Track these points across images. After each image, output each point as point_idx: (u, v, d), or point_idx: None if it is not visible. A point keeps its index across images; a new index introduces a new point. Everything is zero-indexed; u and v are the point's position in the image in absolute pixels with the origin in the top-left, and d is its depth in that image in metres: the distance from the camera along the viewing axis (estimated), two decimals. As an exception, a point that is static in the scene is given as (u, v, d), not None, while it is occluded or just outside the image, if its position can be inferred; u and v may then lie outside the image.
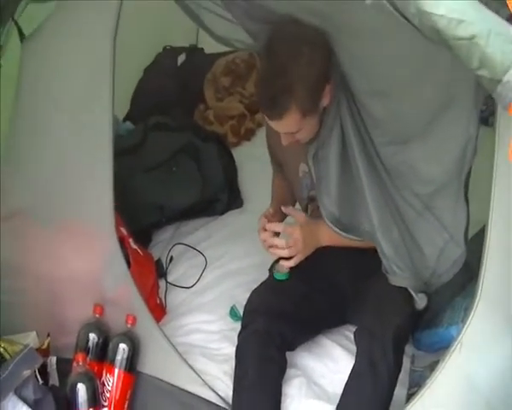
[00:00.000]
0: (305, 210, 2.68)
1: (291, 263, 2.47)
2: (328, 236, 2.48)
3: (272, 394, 2.36)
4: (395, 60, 2.10)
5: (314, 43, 2.19)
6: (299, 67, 2.17)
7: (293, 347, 2.49)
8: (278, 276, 2.54)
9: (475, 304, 2.08)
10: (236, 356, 2.40)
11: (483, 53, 1.64)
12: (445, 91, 2.13)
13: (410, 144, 2.24)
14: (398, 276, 2.35)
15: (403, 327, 2.32)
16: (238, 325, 2.53)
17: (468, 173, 2.25)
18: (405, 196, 2.32)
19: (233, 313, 2.73)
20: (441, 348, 2.35)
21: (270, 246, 2.49)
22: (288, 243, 2.45)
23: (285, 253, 2.46)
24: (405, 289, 2.37)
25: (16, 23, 2.39)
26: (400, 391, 2.36)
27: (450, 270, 2.36)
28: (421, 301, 2.38)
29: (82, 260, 2.50)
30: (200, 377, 2.45)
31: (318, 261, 2.51)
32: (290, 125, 2.26)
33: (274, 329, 2.37)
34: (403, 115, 2.21)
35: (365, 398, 2.24)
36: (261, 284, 2.59)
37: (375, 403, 2.24)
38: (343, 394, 2.28)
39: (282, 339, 2.38)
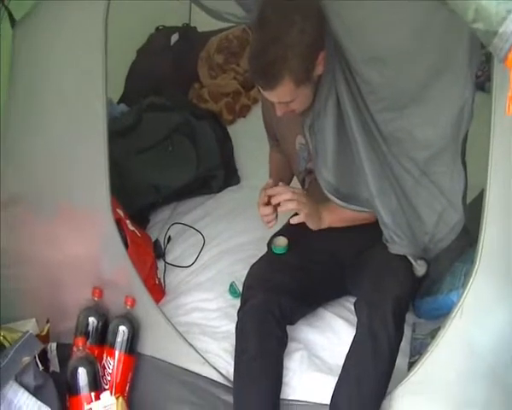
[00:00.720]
0: (303, 183, 2.67)
1: (299, 218, 2.41)
2: (331, 214, 2.46)
3: (273, 368, 2.35)
4: (390, 25, 2.09)
5: (306, 11, 2.17)
6: (292, 36, 2.15)
7: (293, 320, 2.48)
8: (277, 250, 2.53)
9: (475, 269, 2.07)
10: (236, 332, 2.39)
11: (478, 5, 1.61)
12: (441, 55, 2.13)
13: (406, 110, 2.23)
14: (398, 244, 2.33)
15: (403, 297, 2.31)
16: (237, 302, 2.52)
17: (465, 138, 2.24)
18: (403, 163, 2.30)
19: (232, 289, 2.72)
20: (442, 315, 2.35)
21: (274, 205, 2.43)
22: (294, 197, 2.39)
23: (293, 204, 2.38)
24: (405, 258, 2.36)
25: (6, 8, 2.36)
26: (401, 360, 2.35)
27: (448, 235, 2.35)
28: (420, 268, 2.37)
29: (79, 244, 2.49)
30: (201, 355, 2.45)
31: (317, 233, 2.48)
32: (284, 94, 2.24)
33: (273, 303, 2.36)
34: (398, 81, 2.19)
35: (366, 368, 2.22)
36: (259, 259, 2.58)
37: (376, 374, 2.23)
38: (344, 365, 2.27)
39: (282, 313, 2.37)
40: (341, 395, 2.25)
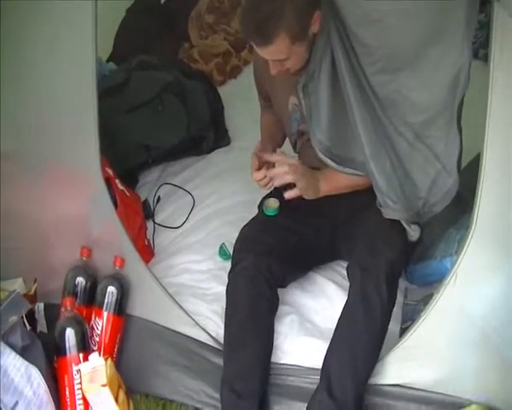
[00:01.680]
0: (294, 146, 2.63)
1: (295, 193, 2.38)
2: (328, 182, 2.43)
3: (264, 330, 2.34)
4: None
5: None
6: None
7: (284, 283, 2.46)
8: (268, 212, 2.50)
9: (470, 234, 2.06)
10: (227, 294, 2.38)
11: None
12: (437, 18, 2.10)
13: (401, 72, 2.20)
14: (392, 209, 2.31)
15: (396, 261, 2.29)
16: (227, 264, 2.50)
17: (461, 103, 2.23)
18: (397, 126, 2.28)
19: (222, 251, 2.70)
20: (435, 281, 2.36)
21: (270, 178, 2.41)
22: (291, 169, 2.36)
23: (289, 177, 2.35)
24: (398, 222, 2.34)
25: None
26: (393, 326, 2.34)
27: (442, 200, 2.34)
28: (414, 233, 2.36)
29: (68, 202, 2.45)
30: (190, 317, 2.43)
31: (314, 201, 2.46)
32: (279, 51, 2.20)
33: (264, 265, 2.34)
34: (394, 43, 2.16)
35: (359, 332, 2.21)
36: (250, 221, 2.56)
37: (369, 337, 2.22)
38: (336, 329, 2.26)
39: (273, 275, 2.35)
40: (333, 359, 2.24)
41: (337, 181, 2.43)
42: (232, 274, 2.39)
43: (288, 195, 2.39)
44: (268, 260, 2.35)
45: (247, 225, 2.54)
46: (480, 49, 3.49)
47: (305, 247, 2.47)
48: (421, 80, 2.21)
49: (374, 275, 2.22)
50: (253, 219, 2.56)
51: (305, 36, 2.21)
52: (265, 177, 2.41)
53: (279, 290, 2.40)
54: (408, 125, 2.27)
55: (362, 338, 2.22)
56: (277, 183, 2.40)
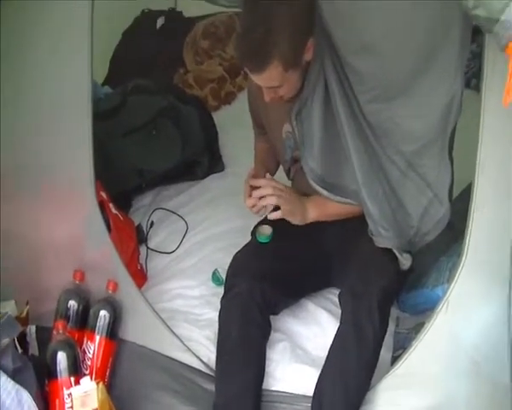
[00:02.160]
0: (288, 173, 2.65)
1: (278, 214, 2.40)
2: (317, 209, 2.45)
3: (256, 356, 2.33)
4: (380, 15, 2.09)
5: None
6: (281, 17, 2.12)
7: (277, 310, 2.46)
8: (261, 238, 2.50)
9: (462, 262, 2.08)
10: (219, 320, 2.37)
11: None
12: (430, 47, 2.13)
13: (394, 101, 2.23)
14: (384, 237, 2.33)
15: (388, 288, 2.30)
16: (220, 290, 2.49)
17: (453, 132, 2.26)
18: (390, 155, 2.30)
19: (215, 277, 2.70)
20: (426, 310, 2.36)
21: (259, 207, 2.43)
22: (275, 192, 2.38)
23: (273, 200, 2.38)
24: (390, 250, 2.35)
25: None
26: (385, 354, 2.34)
27: (434, 229, 2.36)
28: (406, 262, 2.37)
29: (62, 224, 2.45)
30: (183, 342, 2.43)
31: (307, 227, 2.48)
32: (272, 78, 2.21)
33: (256, 292, 2.33)
34: (387, 72, 2.19)
35: (350, 360, 2.21)
36: (243, 247, 2.56)
37: (361, 365, 2.22)
38: (328, 356, 2.26)
39: (265, 302, 2.35)
40: (325, 386, 2.23)
41: (326, 209, 2.45)
42: (225, 300, 2.39)
43: (271, 215, 2.41)
44: (261, 287, 2.34)
45: (240, 251, 2.54)
46: (473, 78, 3.52)
47: (297, 274, 2.47)
48: (413, 109, 2.23)
49: (366, 302, 2.22)
50: (247, 245, 2.57)
51: (298, 63, 2.22)
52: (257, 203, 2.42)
53: (271, 317, 2.40)
54: (400, 154, 2.29)
55: (354, 366, 2.21)
56: (263, 203, 2.40)
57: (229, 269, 2.48)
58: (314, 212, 2.45)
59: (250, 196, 2.43)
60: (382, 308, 2.24)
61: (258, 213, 2.45)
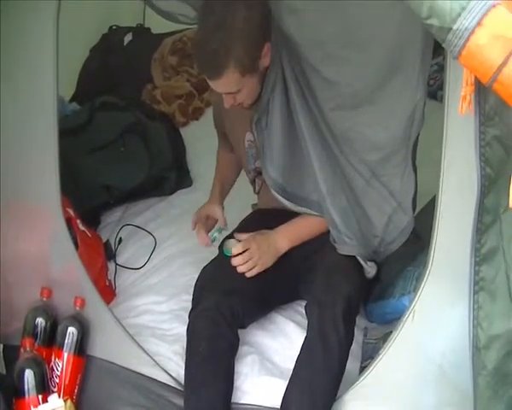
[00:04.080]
0: (253, 183, 2.67)
1: (253, 272, 2.43)
2: (287, 239, 2.47)
3: (224, 371, 2.33)
4: (344, 22, 2.13)
5: (249, 5, 2.19)
6: (236, 23, 2.17)
7: (245, 324, 2.46)
8: (228, 252, 2.50)
9: (427, 272, 2.09)
10: (187, 334, 2.37)
11: (432, 1, 1.62)
12: (393, 56, 2.16)
13: (358, 109, 2.25)
14: (347, 245, 2.34)
15: (353, 297, 2.30)
16: (188, 305, 2.50)
17: (416, 142, 2.28)
18: (353, 164, 2.32)
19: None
20: (394, 320, 2.37)
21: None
22: (244, 259, 2.42)
23: (244, 268, 2.42)
24: (355, 259, 2.37)
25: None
26: (353, 364, 2.36)
27: (398, 238, 2.38)
28: (370, 269, 2.39)
29: (28, 241, 2.44)
30: (151, 358, 2.42)
31: None
32: (229, 83, 2.24)
33: (224, 306, 2.33)
34: (351, 79, 2.22)
35: (317, 370, 2.22)
36: (211, 261, 2.56)
37: (327, 375, 2.23)
38: (295, 367, 2.27)
39: (233, 316, 2.35)
40: (292, 399, 2.24)
41: (296, 233, 2.47)
42: (193, 314, 2.39)
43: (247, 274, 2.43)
44: (229, 301, 2.34)
45: (208, 264, 2.54)
46: (439, 90, 3.56)
47: (266, 287, 2.46)
48: (377, 118, 2.26)
49: (330, 311, 2.23)
50: (214, 259, 2.57)
51: (255, 68, 2.25)
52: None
53: (239, 331, 2.40)
54: (364, 163, 2.32)
55: (320, 375, 2.22)
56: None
57: (196, 283, 2.48)
58: (284, 242, 2.47)
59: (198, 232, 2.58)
60: (347, 316, 2.25)
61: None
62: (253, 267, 2.42)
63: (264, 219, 2.63)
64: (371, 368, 2.21)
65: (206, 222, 2.65)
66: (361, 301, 2.45)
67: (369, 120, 2.27)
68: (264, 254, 2.43)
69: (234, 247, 2.46)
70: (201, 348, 2.31)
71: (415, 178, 2.32)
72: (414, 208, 2.36)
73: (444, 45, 1.66)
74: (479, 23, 1.60)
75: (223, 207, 2.69)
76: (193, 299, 2.45)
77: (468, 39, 1.61)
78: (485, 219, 1.94)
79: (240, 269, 2.42)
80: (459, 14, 1.61)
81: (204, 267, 2.53)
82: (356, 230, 2.34)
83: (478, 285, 1.97)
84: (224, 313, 2.32)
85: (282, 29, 2.23)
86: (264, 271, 2.45)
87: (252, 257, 2.41)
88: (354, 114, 2.27)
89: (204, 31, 2.22)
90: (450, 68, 1.91)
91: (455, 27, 1.62)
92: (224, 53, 2.16)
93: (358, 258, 2.36)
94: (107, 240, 3.00)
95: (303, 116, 2.27)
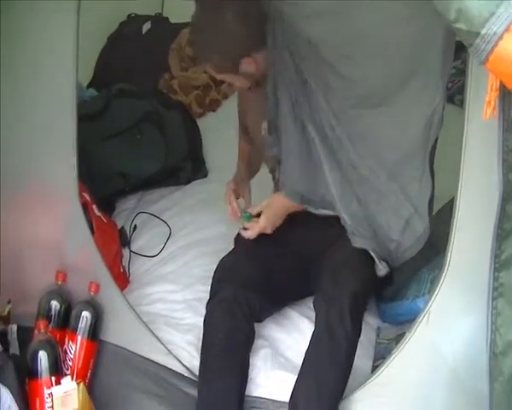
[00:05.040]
0: (272, 172, 2.69)
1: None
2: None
3: (240, 363, 2.34)
4: (368, 26, 2.12)
5: (239, 13, 2.30)
6: (220, 25, 2.31)
7: (261, 317, 2.47)
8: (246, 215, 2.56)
9: (443, 275, 2.09)
10: (204, 325, 2.38)
11: (461, 4, 1.61)
12: (414, 58, 2.16)
13: (379, 108, 2.26)
14: (362, 237, 2.37)
15: (361, 292, 2.30)
16: (202, 295, 2.52)
17: (434, 145, 2.28)
18: (371, 165, 2.33)
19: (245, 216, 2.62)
20: (407, 321, 2.38)
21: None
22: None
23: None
24: (366, 255, 2.37)
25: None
26: (365, 363, 2.37)
27: (414, 246, 2.38)
28: (382, 267, 2.39)
29: (44, 224, 2.45)
30: (164, 346, 2.42)
31: (288, 231, 2.51)
32: (211, 72, 2.47)
33: (241, 298, 2.35)
34: (373, 78, 2.22)
35: (324, 363, 2.22)
36: (229, 253, 2.58)
37: (334, 368, 2.23)
38: (303, 360, 2.27)
39: (250, 308, 2.36)
40: (300, 391, 2.24)
41: None
42: (210, 305, 2.40)
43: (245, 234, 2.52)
44: (246, 293, 2.36)
45: (226, 256, 2.56)
46: (457, 94, 3.56)
47: (282, 282, 2.49)
48: (396, 118, 2.26)
49: (337, 305, 2.23)
50: (232, 251, 2.59)
51: (229, 70, 2.40)
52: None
53: (254, 324, 2.41)
54: (382, 165, 2.32)
55: (327, 369, 2.22)
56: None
57: (215, 274, 2.49)
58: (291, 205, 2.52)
59: (230, 203, 2.60)
60: (354, 312, 2.25)
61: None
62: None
63: None
64: (383, 367, 2.22)
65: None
66: (370, 297, 2.45)
67: (388, 120, 2.27)
68: (275, 224, 2.51)
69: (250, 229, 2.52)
70: (218, 339, 2.32)
71: (432, 184, 2.32)
72: (430, 214, 2.36)
73: (470, 50, 1.66)
74: (507, 29, 1.60)
75: (250, 187, 2.75)
76: (211, 289, 2.45)
77: (496, 44, 1.62)
78: (506, 225, 1.94)
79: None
80: (487, 19, 1.61)
81: (222, 258, 2.54)
82: (368, 232, 2.37)
83: (497, 291, 1.97)
84: (241, 304, 2.34)
85: (295, 31, 2.26)
86: (281, 265, 2.48)
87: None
88: (375, 112, 2.27)
89: (196, 28, 2.42)
90: (472, 74, 1.91)
91: (483, 32, 1.62)
92: (204, 51, 2.40)
93: (371, 253, 2.37)
94: (122, 227, 3.01)
95: (311, 121, 2.34)
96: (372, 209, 2.37)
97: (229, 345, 2.32)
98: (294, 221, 2.53)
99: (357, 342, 2.28)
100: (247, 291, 2.37)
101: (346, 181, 2.34)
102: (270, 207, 2.51)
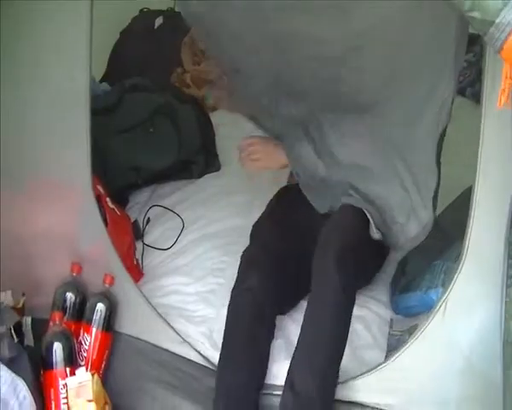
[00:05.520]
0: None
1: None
2: None
3: (262, 354, 2.34)
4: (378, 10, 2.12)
5: None
6: None
7: (285, 311, 2.48)
8: None
9: (461, 265, 2.10)
10: (228, 311, 2.37)
11: None
12: (426, 50, 2.18)
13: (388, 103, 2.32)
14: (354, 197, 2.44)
15: (348, 246, 2.28)
16: (216, 287, 2.56)
17: (442, 137, 2.29)
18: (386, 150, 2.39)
19: None
20: (420, 312, 2.39)
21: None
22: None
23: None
24: (361, 217, 2.40)
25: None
26: (379, 354, 2.38)
27: (418, 236, 2.39)
28: (376, 230, 2.40)
29: (59, 217, 2.46)
30: (179, 335, 2.44)
31: (310, 225, 2.52)
32: None
33: (268, 289, 2.35)
34: (386, 71, 2.26)
35: (313, 322, 2.24)
36: (252, 242, 2.58)
37: (321, 332, 2.23)
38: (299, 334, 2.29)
39: (276, 299, 2.37)
40: (294, 359, 2.25)
41: None
42: (236, 292, 2.40)
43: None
44: (272, 285, 2.37)
45: (251, 244, 2.56)
46: (468, 87, 3.56)
47: (304, 274, 2.41)
48: (407, 112, 2.30)
49: (322, 260, 2.26)
50: (257, 239, 2.59)
51: None
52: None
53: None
54: (391, 142, 2.36)
55: (314, 334, 2.23)
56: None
57: (241, 261, 2.48)
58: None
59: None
60: (342, 266, 2.23)
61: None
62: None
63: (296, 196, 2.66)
64: (397, 354, 2.22)
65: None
66: (361, 256, 2.36)
67: (401, 112, 2.31)
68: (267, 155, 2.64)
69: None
70: (241, 327, 2.32)
71: (438, 175, 2.32)
72: (435, 205, 2.36)
73: (485, 38, 1.67)
74: (521, 18, 1.61)
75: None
76: (237, 276, 2.44)
77: (510, 33, 1.62)
78: (520, 214, 1.96)
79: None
80: (502, 9, 1.62)
81: (247, 247, 2.54)
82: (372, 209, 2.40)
83: (511, 279, 1.98)
84: (267, 296, 2.34)
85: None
86: (304, 255, 2.44)
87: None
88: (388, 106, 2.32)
89: None
90: (489, 67, 1.92)
91: (497, 21, 1.62)
92: None
93: (365, 211, 2.39)
94: (136, 220, 3.01)
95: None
96: (382, 189, 2.41)
97: (254, 335, 2.32)
98: (308, 217, 2.55)
99: (348, 302, 2.27)
100: (273, 282, 2.37)
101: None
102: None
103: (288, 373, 2.24)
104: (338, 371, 2.24)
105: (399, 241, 2.43)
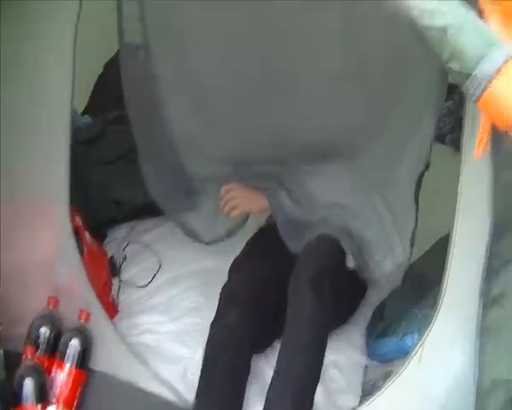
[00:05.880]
0: None
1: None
2: None
3: (240, 391, 2.33)
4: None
5: None
6: None
7: (263, 346, 2.48)
8: None
9: (437, 311, 2.11)
10: (207, 346, 2.36)
11: (454, 45, 1.66)
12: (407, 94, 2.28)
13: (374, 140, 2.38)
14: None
15: (323, 268, 2.31)
16: (189, 327, 2.57)
17: (420, 179, 2.36)
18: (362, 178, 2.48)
19: None
20: (395, 358, 2.39)
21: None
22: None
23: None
24: (337, 246, 2.42)
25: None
26: (353, 399, 2.37)
27: (393, 273, 2.44)
28: (351, 259, 2.43)
29: (35, 248, 2.46)
30: (153, 374, 2.42)
31: (289, 263, 2.48)
32: None
33: (247, 324, 2.35)
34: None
35: (285, 350, 2.26)
36: (231, 276, 2.59)
37: (295, 353, 2.25)
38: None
39: (254, 337, 2.37)
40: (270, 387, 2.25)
41: None
42: (215, 327, 2.38)
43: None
44: (251, 321, 2.36)
45: (232, 278, 2.57)
46: (448, 134, 3.60)
47: (281, 310, 2.40)
48: (389, 151, 2.38)
49: (297, 282, 2.29)
50: (240, 272, 2.60)
51: None
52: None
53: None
54: (370, 181, 2.44)
55: (288, 355, 2.24)
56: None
57: (221, 295, 2.48)
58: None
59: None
60: (317, 286, 2.26)
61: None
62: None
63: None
64: (371, 399, 2.22)
65: None
66: (335, 279, 2.36)
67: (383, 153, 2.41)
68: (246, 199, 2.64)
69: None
70: (219, 363, 2.31)
71: (415, 215, 2.37)
72: (412, 245, 2.41)
73: (463, 89, 1.69)
74: (497, 71, 1.63)
75: None
76: (217, 311, 2.44)
77: (486, 87, 1.65)
78: (494, 263, 1.98)
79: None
80: (479, 61, 1.64)
81: (226, 283, 2.54)
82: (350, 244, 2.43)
83: (485, 329, 1.98)
84: (245, 329, 2.34)
85: None
86: (279, 293, 2.44)
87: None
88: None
89: None
90: (469, 114, 1.95)
91: (473, 74, 1.65)
92: None
93: (340, 240, 2.41)
94: (112, 256, 2.98)
95: None
96: (361, 225, 2.44)
97: (230, 371, 2.30)
98: (287, 254, 2.53)
99: (323, 325, 2.28)
100: (252, 318, 2.37)
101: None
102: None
103: (265, 401, 2.24)
104: (313, 398, 2.24)
105: (375, 275, 2.46)
